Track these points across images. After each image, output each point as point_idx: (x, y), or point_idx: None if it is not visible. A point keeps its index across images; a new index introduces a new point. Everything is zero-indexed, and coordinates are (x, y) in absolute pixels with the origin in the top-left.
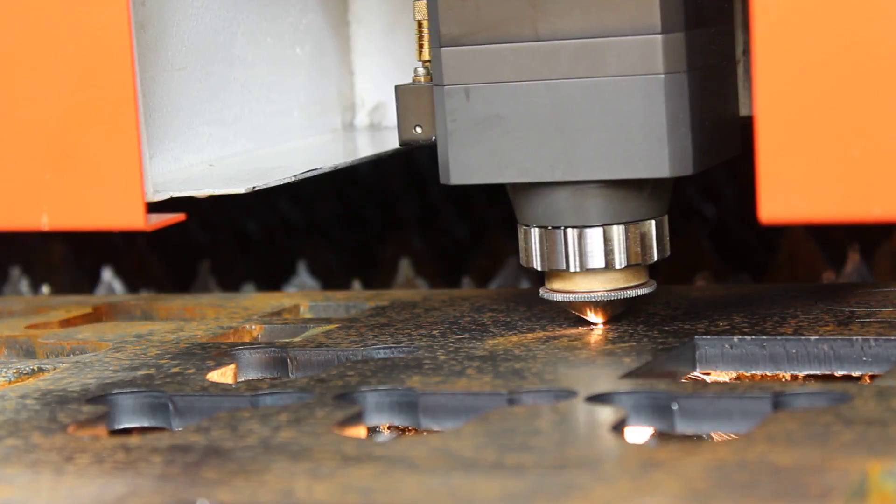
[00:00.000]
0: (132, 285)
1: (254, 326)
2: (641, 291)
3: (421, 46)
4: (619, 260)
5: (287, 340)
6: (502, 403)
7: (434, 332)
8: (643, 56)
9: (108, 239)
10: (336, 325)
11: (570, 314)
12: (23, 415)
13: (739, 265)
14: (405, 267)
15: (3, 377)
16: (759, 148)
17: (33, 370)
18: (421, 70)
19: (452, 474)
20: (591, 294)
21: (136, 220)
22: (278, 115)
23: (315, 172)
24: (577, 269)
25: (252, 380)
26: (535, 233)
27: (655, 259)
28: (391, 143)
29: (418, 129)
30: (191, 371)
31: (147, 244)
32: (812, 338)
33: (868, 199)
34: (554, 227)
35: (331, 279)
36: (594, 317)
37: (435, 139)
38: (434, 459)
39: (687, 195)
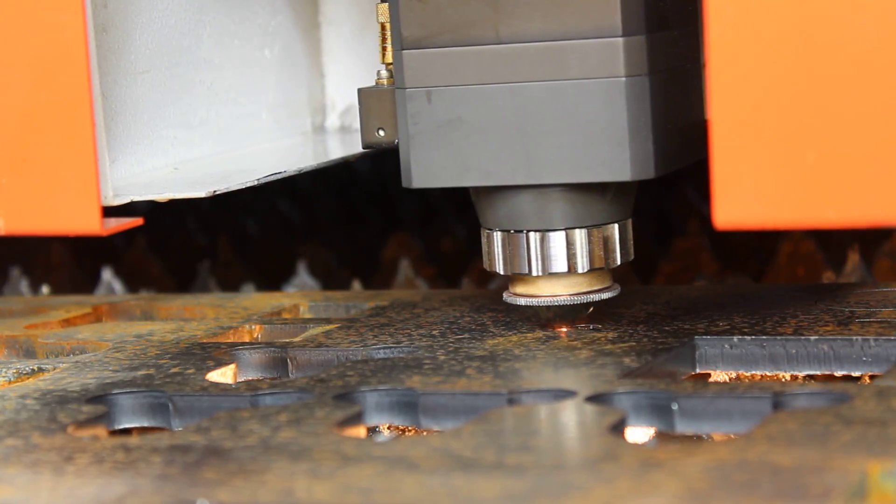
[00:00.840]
0: (132, 285)
1: (254, 326)
2: (605, 296)
3: (384, 49)
4: (582, 264)
5: (287, 340)
6: (502, 403)
7: (434, 332)
8: (604, 59)
9: (108, 239)
10: (336, 325)
11: None
12: (23, 415)
13: (739, 265)
14: (405, 267)
15: (3, 377)
16: (714, 153)
17: (33, 370)
18: (384, 73)
19: (452, 474)
20: (555, 298)
21: (92, 224)
22: (246, 118)
23: (279, 176)
24: (540, 273)
25: (252, 380)
26: (497, 237)
27: (619, 263)
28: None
29: (381, 133)
30: (191, 371)
31: (147, 244)
32: (812, 338)
33: (823, 205)
34: (516, 231)
35: (331, 279)
36: (558, 321)
37: (398, 142)
38: (434, 459)
39: (687, 195)
